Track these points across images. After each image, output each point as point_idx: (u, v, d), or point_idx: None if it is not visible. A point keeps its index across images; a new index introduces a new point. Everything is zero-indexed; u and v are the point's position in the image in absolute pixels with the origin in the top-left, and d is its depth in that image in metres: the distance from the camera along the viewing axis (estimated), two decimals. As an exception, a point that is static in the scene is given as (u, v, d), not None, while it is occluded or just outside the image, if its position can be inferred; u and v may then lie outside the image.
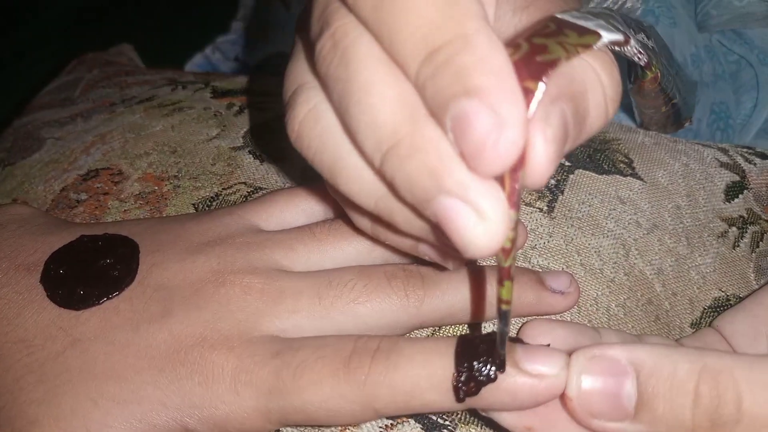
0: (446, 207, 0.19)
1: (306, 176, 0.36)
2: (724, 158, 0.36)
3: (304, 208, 0.31)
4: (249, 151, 0.37)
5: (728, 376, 0.21)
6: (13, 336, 0.26)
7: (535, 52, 0.19)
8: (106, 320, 0.26)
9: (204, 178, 0.36)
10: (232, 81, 0.45)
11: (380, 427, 0.26)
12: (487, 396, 0.23)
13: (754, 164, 0.37)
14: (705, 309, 0.32)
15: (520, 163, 0.18)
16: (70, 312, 0.26)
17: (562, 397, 0.22)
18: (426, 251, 0.24)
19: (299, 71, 0.24)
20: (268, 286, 0.27)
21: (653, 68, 0.23)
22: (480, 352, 0.23)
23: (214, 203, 0.35)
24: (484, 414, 0.24)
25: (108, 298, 0.26)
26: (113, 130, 0.41)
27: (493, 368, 0.22)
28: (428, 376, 0.23)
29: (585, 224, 0.33)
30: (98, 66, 0.51)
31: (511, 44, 0.19)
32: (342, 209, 0.32)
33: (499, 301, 0.21)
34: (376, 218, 0.23)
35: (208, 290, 0.26)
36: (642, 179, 0.34)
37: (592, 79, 0.21)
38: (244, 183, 0.36)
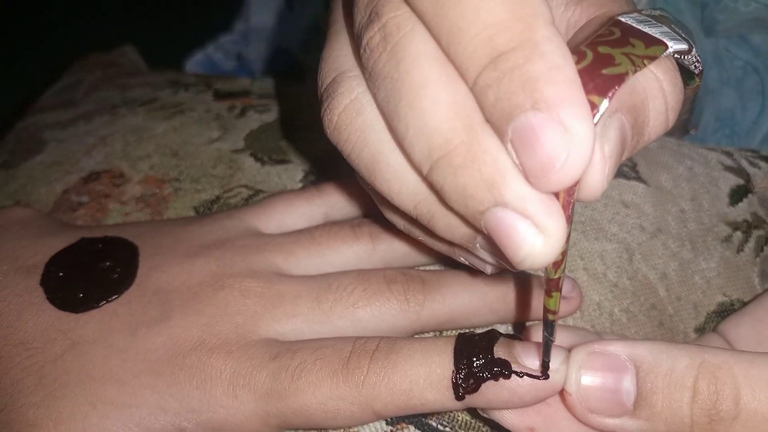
0: (502, 219, 0.18)
1: (307, 179, 0.36)
2: (729, 162, 0.36)
3: (305, 212, 0.31)
4: (250, 154, 0.37)
5: (727, 371, 0.21)
6: (13, 338, 0.26)
7: (601, 63, 0.18)
8: (104, 323, 0.26)
9: (205, 181, 0.36)
10: (234, 83, 0.45)
11: (380, 433, 0.26)
12: (486, 393, 0.22)
13: (759, 168, 0.36)
14: (709, 314, 0.32)
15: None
16: (70, 315, 0.26)
17: (562, 393, 0.22)
18: (463, 255, 0.24)
19: (340, 57, 0.22)
20: (266, 289, 0.26)
21: (701, 77, 0.23)
22: (479, 349, 0.22)
23: (215, 206, 0.35)
24: (485, 415, 0.23)
25: (107, 301, 0.26)
26: (115, 132, 0.41)
27: (493, 365, 0.22)
28: (427, 375, 0.23)
29: (588, 228, 0.32)
30: (100, 68, 0.51)
31: (575, 51, 0.19)
32: (343, 212, 0.32)
33: (546, 311, 0.21)
34: (412, 219, 0.22)
35: (207, 294, 0.26)
36: (646, 183, 0.34)
37: (654, 88, 0.20)
38: (245, 186, 0.35)
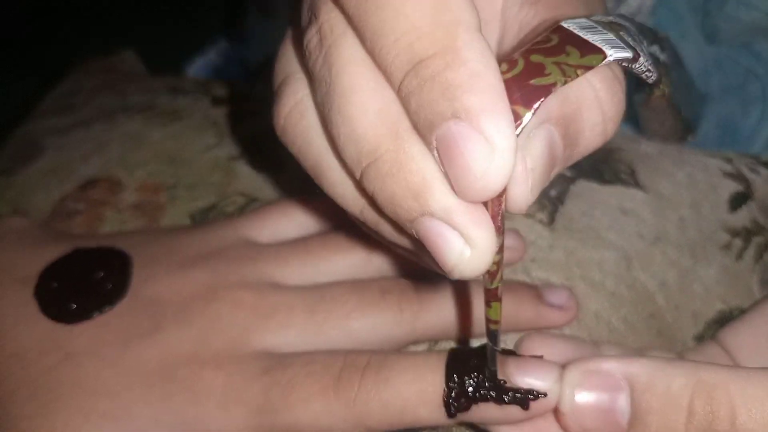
0: (430, 229, 0.18)
1: (304, 187, 0.35)
2: (729, 168, 0.36)
3: (299, 221, 0.31)
4: (246, 161, 0.37)
5: (723, 391, 0.20)
6: (8, 349, 0.26)
7: (531, 73, 0.18)
8: (97, 335, 0.26)
9: (201, 188, 0.36)
10: (233, 88, 0.45)
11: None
12: (478, 412, 0.22)
13: (759, 174, 0.36)
14: (708, 322, 0.32)
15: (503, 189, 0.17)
16: (63, 326, 0.26)
17: (556, 411, 0.22)
18: (422, 263, 0.23)
19: (288, 59, 0.22)
20: (259, 301, 0.26)
21: (662, 86, 0.22)
22: (471, 367, 0.22)
23: (211, 214, 0.34)
24: (482, 427, 0.23)
25: (100, 313, 0.26)
26: (112, 139, 0.41)
27: (485, 384, 0.22)
28: (419, 392, 0.23)
29: (586, 236, 0.32)
30: (100, 73, 0.51)
31: (507, 59, 0.18)
32: (337, 222, 0.32)
33: (488, 321, 0.21)
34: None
35: (199, 306, 0.26)
36: (645, 190, 0.34)
37: (588, 98, 0.19)
38: (241, 193, 0.35)
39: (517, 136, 0.17)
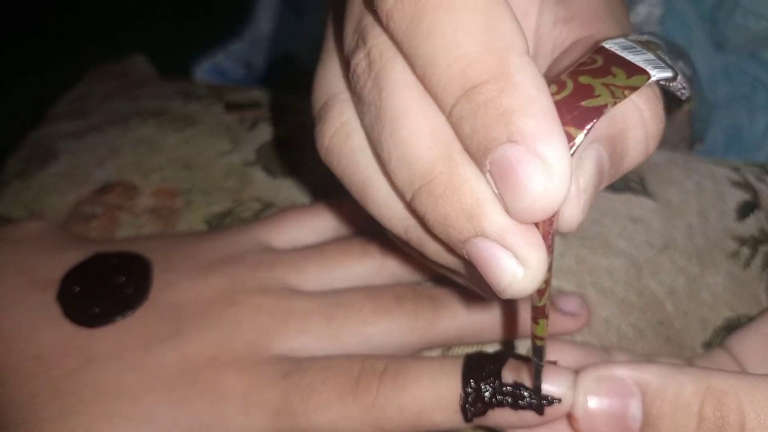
0: (483, 250, 0.18)
1: (319, 192, 0.36)
2: (736, 177, 0.36)
3: (315, 226, 0.31)
4: (261, 167, 0.38)
5: (732, 397, 0.21)
6: (29, 352, 0.26)
7: (581, 94, 0.18)
8: (119, 339, 0.26)
9: (216, 194, 0.37)
10: (246, 94, 0.46)
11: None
12: (494, 416, 0.23)
13: (766, 183, 0.37)
14: (716, 329, 0.32)
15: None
16: (85, 330, 0.27)
17: (569, 416, 0.23)
18: (463, 283, 0.24)
19: (331, 80, 0.23)
20: (277, 306, 0.27)
21: (692, 101, 0.23)
22: (487, 372, 0.23)
23: (227, 219, 0.35)
24: (498, 429, 0.24)
25: (122, 317, 0.27)
26: (126, 143, 0.41)
27: (501, 390, 0.23)
28: (436, 397, 0.23)
29: (597, 244, 0.33)
30: (112, 78, 0.52)
31: (555, 80, 0.19)
32: (353, 228, 0.32)
33: (534, 337, 0.21)
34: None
35: (218, 310, 0.27)
36: (654, 198, 0.34)
37: (634, 118, 0.20)
38: (257, 199, 0.36)
39: (571, 156, 0.17)
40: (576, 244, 0.32)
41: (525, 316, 0.27)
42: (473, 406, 0.23)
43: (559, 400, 0.22)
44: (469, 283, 0.23)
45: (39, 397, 0.25)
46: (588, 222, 0.33)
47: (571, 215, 0.19)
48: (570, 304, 0.29)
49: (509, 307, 0.28)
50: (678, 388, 0.21)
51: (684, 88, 0.21)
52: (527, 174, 0.16)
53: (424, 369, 0.24)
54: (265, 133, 0.40)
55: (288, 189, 0.36)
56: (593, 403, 0.22)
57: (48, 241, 0.31)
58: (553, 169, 0.16)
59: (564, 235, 0.33)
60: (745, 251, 0.34)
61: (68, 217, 0.38)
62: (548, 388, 0.23)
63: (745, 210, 0.35)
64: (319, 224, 0.31)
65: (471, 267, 0.19)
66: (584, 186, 0.18)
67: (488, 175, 0.17)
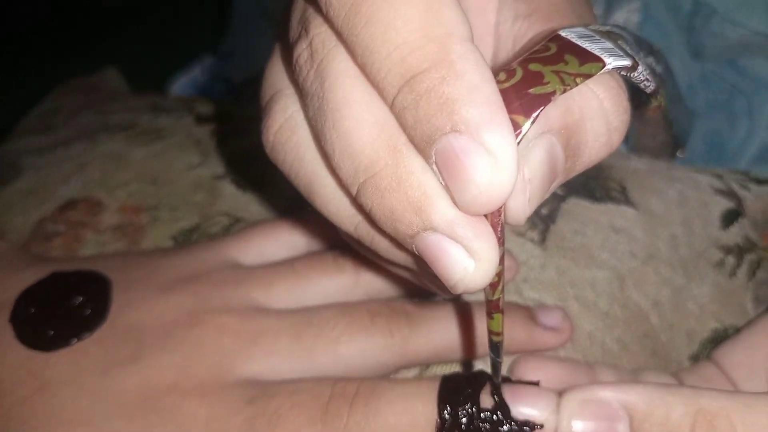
0: (432, 244, 0.17)
1: (292, 207, 0.35)
2: (719, 184, 0.36)
3: (286, 241, 0.30)
4: (231, 180, 0.36)
5: (724, 419, 0.20)
6: (-21, 379, 0.25)
7: (529, 82, 0.17)
8: (75, 363, 0.25)
9: (184, 209, 0.35)
10: (217, 106, 0.44)
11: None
12: None
13: (749, 190, 0.36)
14: (703, 341, 0.31)
15: None
16: (40, 354, 0.25)
17: None
18: (420, 282, 0.23)
19: (277, 75, 0.22)
20: (244, 326, 0.25)
21: (659, 97, 0.22)
22: (464, 397, 0.22)
23: (194, 235, 0.34)
24: None
25: (78, 339, 0.25)
26: (93, 159, 0.40)
27: (479, 416, 0.21)
28: (410, 424, 0.22)
29: (578, 255, 0.31)
30: (81, 93, 0.51)
31: (505, 68, 0.18)
32: (324, 243, 0.31)
33: (490, 333, 0.21)
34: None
35: (181, 332, 0.25)
36: (636, 208, 0.33)
37: (592, 108, 0.19)
38: (226, 214, 0.35)
39: (517, 145, 0.16)
40: (557, 255, 0.31)
41: (481, 328, 0.26)
42: None
43: (541, 426, 0.21)
44: (423, 280, 0.22)
45: (-11, 427, 0.24)
46: (569, 232, 0.32)
47: (517, 207, 0.18)
48: (552, 318, 0.28)
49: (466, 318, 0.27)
50: (667, 411, 0.20)
51: (647, 80, 0.20)
52: (472, 164, 0.16)
53: (398, 392, 0.23)
54: (236, 146, 0.39)
55: (258, 203, 0.35)
56: (578, 427, 0.21)
57: (3, 261, 0.29)
58: (498, 158, 0.16)
59: (543, 246, 0.32)
60: (731, 260, 0.33)
61: (30, 236, 0.36)
62: (530, 412, 0.21)
63: (730, 218, 0.34)
64: (290, 239, 0.30)
65: (422, 263, 0.18)
66: (530, 176, 0.18)
67: (434, 167, 0.17)
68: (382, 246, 0.20)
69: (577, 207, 0.33)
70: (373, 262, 0.28)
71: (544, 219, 0.33)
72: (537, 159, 0.18)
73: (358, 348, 0.25)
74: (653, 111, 0.26)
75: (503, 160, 0.16)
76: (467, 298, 0.28)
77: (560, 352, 0.29)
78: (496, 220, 0.17)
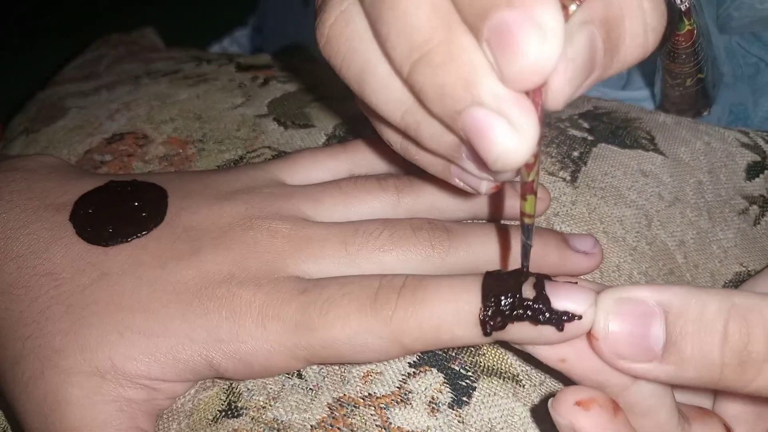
0: (478, 118, 0.18)
1: (329, 143, 0.36)
2: (745, 139, 0.37)
3: (330, 167, 0.31)
4: (273, 119, 0.38)
5: (757, 314, 0.21)
6: (41, 269, 0.26)
7: None
8: (134, 257, 0.26)
9: (229, 142, 0.37)
10: (256, 58, 0.46)
11: (403, 375, 0.26)
12: (513, 331, 0.22)
13: (774, 147, 0.37)
14: (726, 283, 0.32)
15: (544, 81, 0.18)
16: (99, 248, 0.26)
17: (589, 335, 0.22)
18: (457, 174, 0.24)
19: None
20: (294, 232, 0.27)
21: (693, 20, 0.23)
22: (507, 287, 0.23)
23: (239, 165, 0.35)
24: (516, 346, 0.23)
25: (137, 237, 0.26)
26: (138, 98, 0.41)
27: (521, 304, 0.22)
28: (455, 311, 0.23)
29: (608, 194, 0.33)
30: (122, 44, 0.52)
31: None
32: (367, 170, 0.32)
33: (522, 214, 0.22)
34: (404, 135, 0.23)
35: (236, 233, 0.27)
36: (664, 154, 0.35)
37: (632, 5, 0.20)
38: (269, 147, 0.36)
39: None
40: (587, 193, 0.33)
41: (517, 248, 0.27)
42: (493, 320, 0.22)
43: (580, 317, 0.22)
44: (461, 174, 0.24)
45: (50, 312, 0.25)
46: (599, 174, 0.33)
47: (558, 86, 0.19)
48: (584, 244, 0.29)
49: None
50: (701, 307, 0.21)
51: None
52: (523, 37, 0.17)
53: (444, 284, 0.24)
54: (276, 90, 0.40)
55: (300, 139, 0.36)
56: (615, 323, 0.21)
57: (60, 171, 0.31)
58: (547, 32, 0.17)
59: (574, 185, 0.33)
60: (755, 209, 0.34)
61: (77, 165, 0.37)
62: (569, 305, 0.22)
63: (755, 170, 0.35)
64: (334, 164, 0.31)
65: (465, 144, 0.20)
66: (572, 56, 0.19)
67: (484, 44, 0.18)
68: (427, 133, 0.22)
69: (606, 151, 0.34)
70: (415, 186, 0.29)
71: (575, 160, 0.34)
72: (579, 43, 0.19)
73: (400, 257, 0.27)
74: (685, 39, 0.27)
75: (552, 35, 0.17)
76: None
77: (588, 279, 0.30)
78: (538, 100, 0.19)
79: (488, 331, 0.23)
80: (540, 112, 0.19)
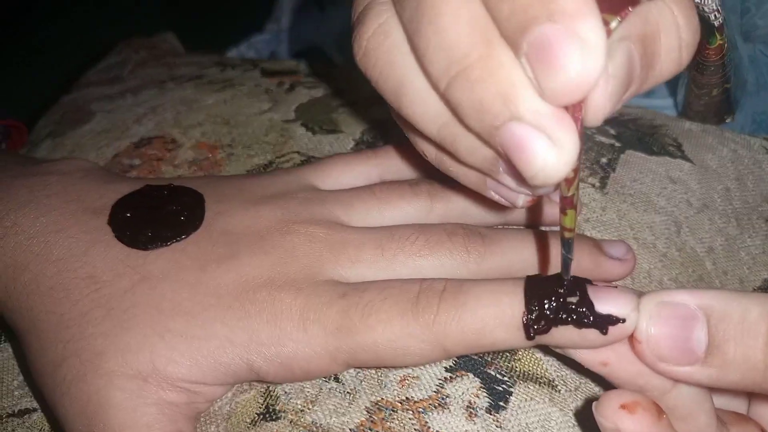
0: (517, 134, 0.18)
1: (358, 148, 0.36)
2: (771, 147, 0.37)
3: (361, 172, 0.31)
4: (301, 124, 0.38)
5: None
6: (81, 272, 0.26)
7: None
8: (174, 260, 0.26)
9: (257, 147, 0.37)
10: (280, 63, 0.46)
11: (439, 380, 0.26)
12: (556, 335, 0.23)
13: (800, 155, 0.37)
14: (755, 289, 0.32)
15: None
16: (138, 252, 0.26)
17: (631, 339, 0.22)
18: (493, 187, 0.24)
19: None
20: (331, 236, 0.27)
21: (724, 35, 0.23)
22: (549, 291, 0.23)
23: (269, 170, 0.35)
24: (556, 350, 0.24)
25: (176, 240, 0.27)
26: (165, 103, 0.42)
27: (564, 308, 0.22)
28: (497, 315, 0.23)
29: (637, 200, 0.33)
30: (145, 48, 0.52)
31: None
32: (396, 175, 0.32)
33: (562, 228, 0.21)
34: (440, 147, 0.23)
35: (274, 237, 0.27)
36: (692, 161, 0.35)
37: (667, 22, 0.20)
38: (297, 152, 0.36)
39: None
40: (617, 200, 0.33)
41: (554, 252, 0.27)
42: (537, 324, 0.23)
43: (623, 321, 0.22)
44: (497, 188, 0.24)
45: (91, 315, 0.25)
46: (628, 180, 0.34)
47: (598, 101, 0.19)
48: (617, 250, 0.29)
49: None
50: (743, 311, 0.21)
51: (717, 11, 0.22)
52: (565, 52, 0.17)
53: (485, 288, 0.24)
54: (302, 95, 0.41)
55: (328, 144, 0.37)
56: (657, 326, 0.22)
57: (94, 174, 0.31)
58: (590, 47, 0.17)
59: (603, 191, 0.33)
60: (782, 216, 0.34)
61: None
62: (612, 309, 0.22)
63: (781, 177, 0.36)
64: (365, 169, 0.31)
65: (502, 159, 0.20)
66: (613, 72, 0.19)
67: (523, 60, 0.18)
68: (464, 146, 0.22)
69: (634, 158, 0.35)
70: (447, 192, 0.30)
71: (603, 167, 0.34)
72: (619, 59, 0.19)
73: (435, 262, 0.27)
74: (715, 53, 0.27)
75: (594, 49, 0.17)
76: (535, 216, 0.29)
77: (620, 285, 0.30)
78: (578, 114, 0.19)
79: (531, 334, 0.23)
80: (580, 128, 0.19)
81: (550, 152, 0.18)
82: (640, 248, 0.31)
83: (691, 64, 0.33)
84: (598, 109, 0.19)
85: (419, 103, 0.22)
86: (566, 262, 0.22)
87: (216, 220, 0.28)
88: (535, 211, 0.30)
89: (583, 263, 0.28)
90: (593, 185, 0.33)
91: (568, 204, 0.21)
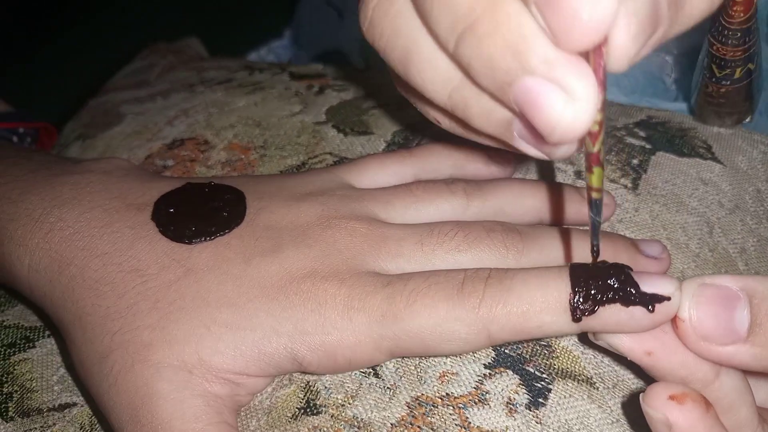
0: (530, 88, 0.17)
1: (389, 149, 0.37)
2: (800, 150, 0.37)
3: (396, 171, 0.32)
4: (332, 126, 0.38)
5: None
6: (126, 266, 0.27)
7: None
8: (218, 253, 0.27)
9: (290, 148, 0.37)
10: (307, 67, 0.47)
11: (479, 376, 0.27)
12: (603, 316, 0.23)
13: (828, 158, 0.37)
14: (786, 290, 0.33)
15: (604, 40, 0.17)
16: (183, 245, 0.27)
17: (674, 321, 0.22)
18: (519, 131, 0.22)
19: None
20: (371, 231, 0.27)
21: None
22: (595, 273, 0.23)
23: (303, 170, 0.36)
24: (598, 342, 0.24)
25: (220, 235, 0.27)
26: (196, 105, 0.42)
27: (610, 287, 0.22)
28: (543, 297, 0.23)
29: (669, 201, 0.33)
30: (170, 53, 0.53)
31: None
32: (431, 174, 0.33)
33: (589, 189, 0.21)
34: (452, 115, 0.22)
35: (316, 231, 0.27)
36: (722, 163, 0.35)
37: None
38: (330, 153, 0.37)
39: None
40: (649, 200, 0.33)
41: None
42: (583, 305, 0.23)
43: (669, 299, 0.22)
44: (519, 142, 0.22)
45: (137, 308, 0.26)
46: (660, 181, 0.34)
47: (621, 44, 0.17)
48: (653, 249, 0.29)
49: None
50: None
51: None
52: None
53: (530, 273, 0.24)
54: (332, 98, 0.41)
55: (360, 146, 0.37)
56: (700, 305, 0.22)
57: (135, 173, 0.31)
58: None
59: (636, 192, 0.33)
60: (812, 218, 0.35)
61: (139, 169, 0.38)
62: (656, 288, 0.22)
63: (811, 180, 0.36)
64: (400, 169, 0.32)
65: (521, 120, 0.19)
66: (635, 10, 0.17)
67: (533, 8, 0.17)
68: (476, 111, 0.21)
69: (665, 159, 0.35)
70: (483, 190, 0.30)
71: (635, 168, 0.34)
72: None
73: (475, 258, 0.27)
74: (739, 10, 0.27)
75: None
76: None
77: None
78: (599, 61, 0.17)
79: (578, 315, 0.23)
80: (602, 75, 0.17)
81: (566, 105, 0.17)
82: (674, 248, 0.32)
83: (713, 32, 0.33)
84: (622, 51, 0.17)
85: (428, 68, 0.21)
86: (595, 225, 0.22)
87: (258, 215, 0.28)
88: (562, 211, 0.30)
89: (619, 261, 0.28)
90: (625, 186, 0.34)
91: (594, 161, 0.20)
